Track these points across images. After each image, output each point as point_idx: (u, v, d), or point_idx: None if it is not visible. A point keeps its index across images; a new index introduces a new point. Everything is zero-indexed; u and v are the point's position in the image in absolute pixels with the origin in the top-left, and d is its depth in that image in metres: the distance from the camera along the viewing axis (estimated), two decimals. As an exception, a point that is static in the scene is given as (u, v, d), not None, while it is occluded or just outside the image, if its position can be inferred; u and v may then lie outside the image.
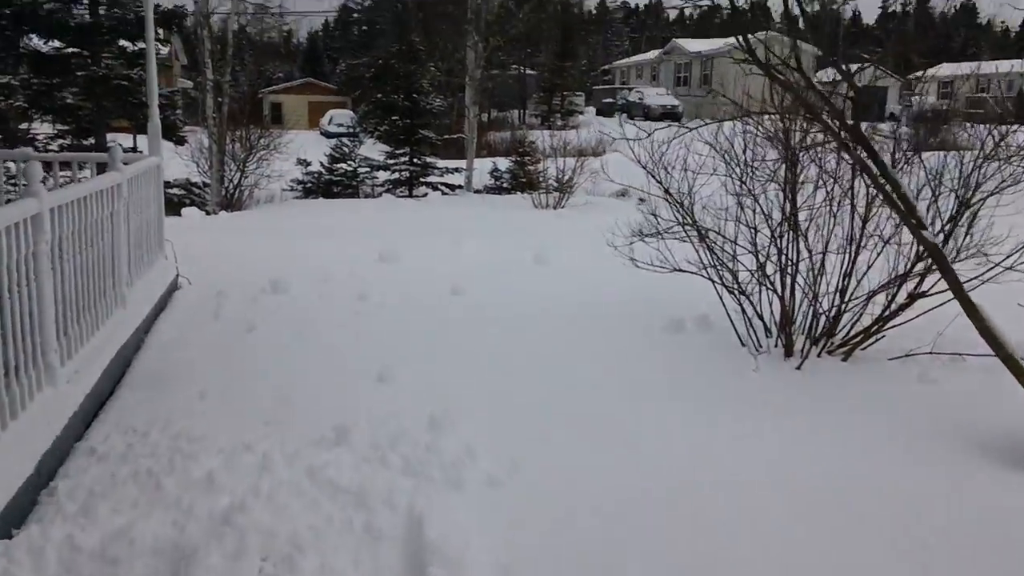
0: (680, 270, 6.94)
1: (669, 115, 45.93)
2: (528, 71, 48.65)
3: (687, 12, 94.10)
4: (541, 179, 20.56)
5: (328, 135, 43.00)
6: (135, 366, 5.74)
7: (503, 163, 21.05)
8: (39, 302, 4.33)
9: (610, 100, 50.34)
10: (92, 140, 19.39)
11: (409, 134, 19.77)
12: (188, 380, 5.35)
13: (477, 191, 20.14)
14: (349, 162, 19.42)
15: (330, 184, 19.81)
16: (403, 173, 19.71)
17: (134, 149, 21.37)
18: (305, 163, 20.23)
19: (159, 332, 6.53)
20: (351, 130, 40.76)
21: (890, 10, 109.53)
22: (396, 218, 14.45)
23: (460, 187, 20.13)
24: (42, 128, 21.00)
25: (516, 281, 8.80)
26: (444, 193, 19.64)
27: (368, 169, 19.60)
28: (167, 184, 15.96)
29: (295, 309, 7.34)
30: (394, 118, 19.91)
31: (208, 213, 17.48)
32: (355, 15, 71.88)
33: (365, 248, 10.36)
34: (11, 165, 8.43)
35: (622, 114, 48.74)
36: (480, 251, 10.58)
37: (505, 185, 20.66)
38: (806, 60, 6.38)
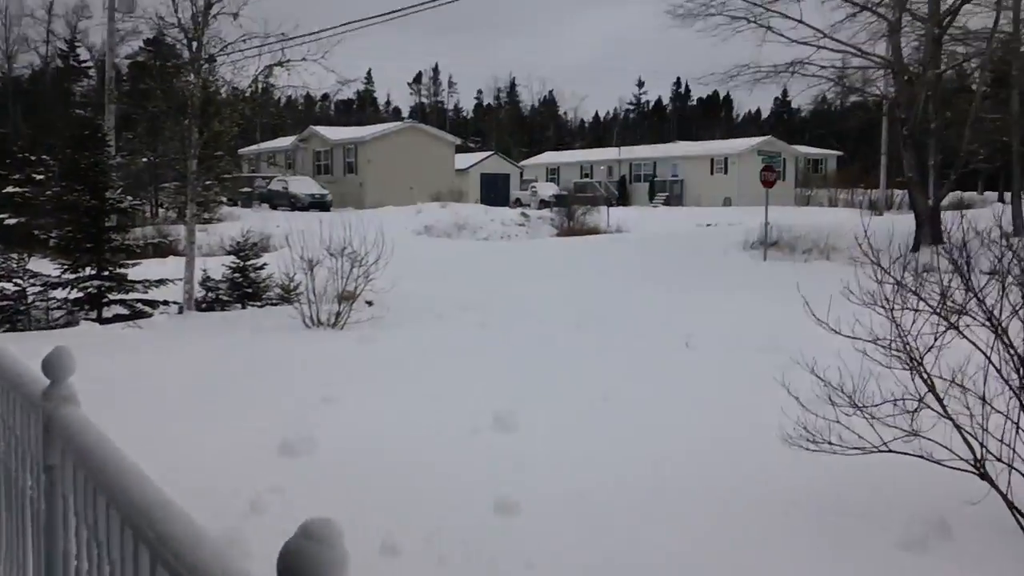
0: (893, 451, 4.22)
1: (318, 204, 42.96)
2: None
3: (330, 100, 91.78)
4: (265, 286, 16.59)
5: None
6: None
7: (214, 267, 16.69)
8: None
9: (247, 189, 46.04)
10: None
11: (96, 240, 14.76)
12: None
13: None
14: (16, 280, 13.95)
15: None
16: (87, 290, 14.62)
17: None
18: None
19: None
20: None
21: (484, 104, 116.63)
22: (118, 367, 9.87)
23: (167, 303, 15.41)
24: None
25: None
26: (137, 315, 14.71)
27: (41, 288, 14.24)
28: None
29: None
30: (66, 227, 14.82)
31: None
32: None
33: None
34: None
35: (261, 204, 44.93)
36: (356, 403, 6.88)
37: (224, 297, 16.31)
38: None
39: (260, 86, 16.63)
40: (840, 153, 69.00)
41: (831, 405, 4.54)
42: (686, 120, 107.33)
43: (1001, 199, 56.39)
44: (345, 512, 4.77)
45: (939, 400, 4.20)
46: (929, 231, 23.22)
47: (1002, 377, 4.15)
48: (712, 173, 62.21)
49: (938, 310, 4.23)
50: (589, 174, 68.50)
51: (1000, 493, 4.07)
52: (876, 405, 4.40)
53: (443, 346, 11.18)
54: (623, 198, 62.39)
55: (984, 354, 4.23)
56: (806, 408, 4.68)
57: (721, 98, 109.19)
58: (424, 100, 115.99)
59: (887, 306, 4.36)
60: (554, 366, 9.60)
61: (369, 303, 14.65)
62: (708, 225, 42.35)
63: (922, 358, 4.26)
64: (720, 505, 4.88)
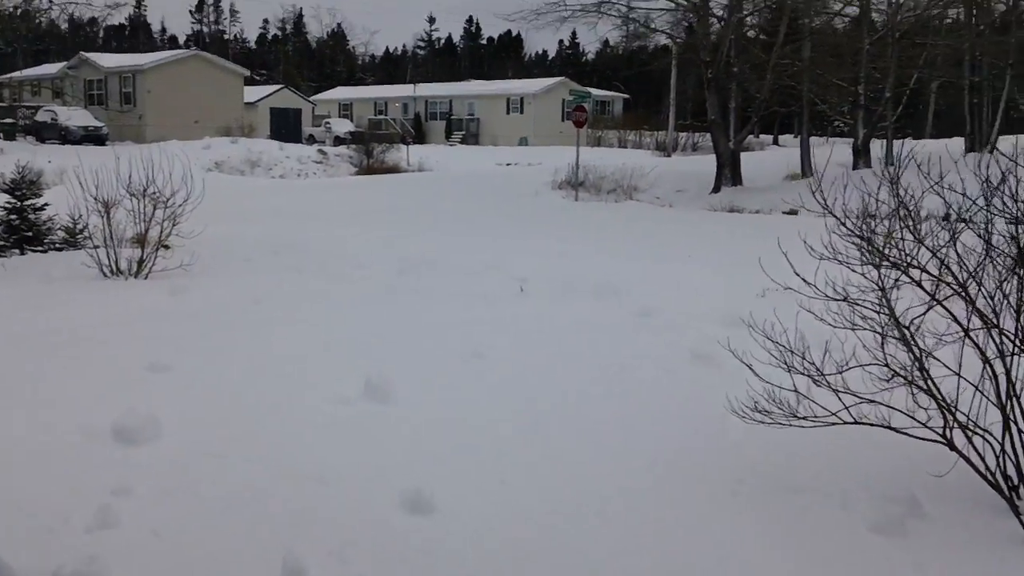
0: (860, 422, 3.90)
1: (92, 138, 39.55)
2: None
3: (99, 25, 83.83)
4: (47, 228, 14.75)
5: None
6: None
7: (-17, 208, 14.62)
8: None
9: (9, 120, 41.59)
10: None
11: None
12: None
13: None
14: None
15: None
16: None
17: None
18: None
19: None
20: None
21: (270, 36, 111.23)
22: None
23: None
24: None
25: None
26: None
27: None
28: None
29: None
30: None
31: None
32: None
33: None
34: None
35: (26, 136, 40.92)
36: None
37: (-1, 242, 14.32)
38: None
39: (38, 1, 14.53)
40: (627, 96, 70.79)
41: (786, 371, 4.11)
42: (478, 59, 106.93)
43: (776, 142, 59.70)
44: (220, 519, 3.93)
45: (924, 371, 3.86)
46: (730, 172, 23.96)
47: (973, 342, 3.86)
48: (508, 112, 62.24)
49: (899, 264, 3.84)
50: (383, 111, 66.91)
51: (972, 465, 3.81)
52: (840, 372, 4.02)
53: (266, 297, 10.16)
54: (419, 136, 61.42)
55: (958, 322, 3.90)
56: (762, 378, 4.21)
57: (512, 38, 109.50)
58: (204, 29, 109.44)
59: (868, 262, 3.93)
60: (398, 317, 8.87)
61: (166, 247, 13.22)
62: (508, 165, 42.32)
63: (910, 324, 3.89)
64: (660, 482, 4.38)
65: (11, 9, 14.58)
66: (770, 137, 60.31)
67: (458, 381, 6.18)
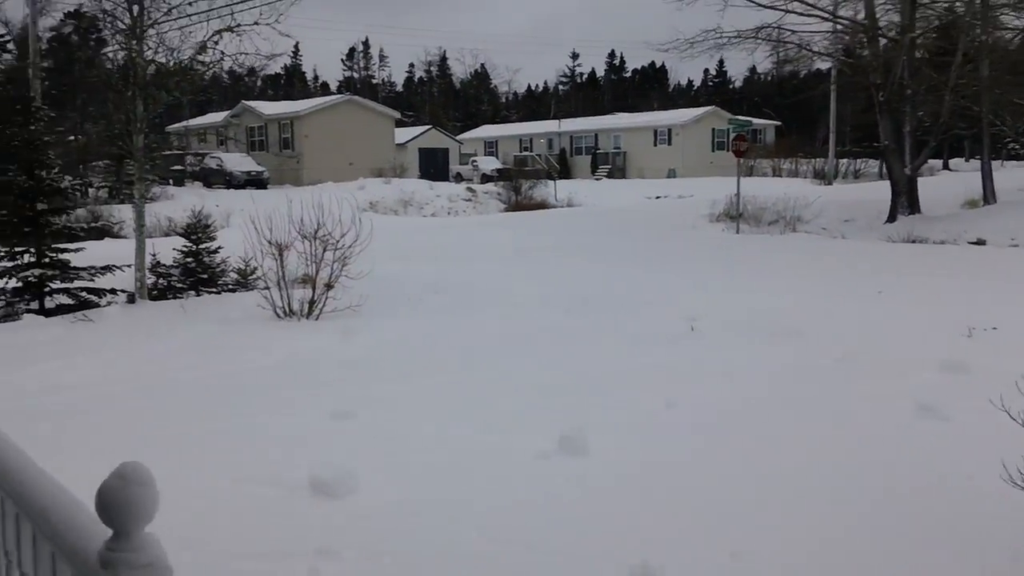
0: None
1: (254, 182, 41.28)
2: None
3: (257, 75, 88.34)
4: (220, 270, 15.17)
5: None
6: None
7: (165, 251, 15.18)
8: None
9: (178, 167, 43.92)
10: None
11: (34, 223, 13.14)
12: None
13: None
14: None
15: None
16: (28, 278, 13.05)
17: None
18: None
19: None
20: None
21: (416, 78, 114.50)
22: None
23: (115, 292, 13.88)
24: None
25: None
26: (84, 306, 13.19)
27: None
28: None
29: None
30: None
31: None
32: None
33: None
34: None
35: (194, 182, 43.10)
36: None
37: (177, 283, 14.82)
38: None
39: (211, 53, 15.01)
40: (778, 123, 68.95)
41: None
42: (621, 92, 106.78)
43: (946, 167, 56.79)
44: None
45: None
46: (907, 200, 22.67)
47: None
48: (655, 144, 61.58)
49: None
50: (528, 147, 67.40)
51: None
52: None
53: (435, 337, 10.00)
54: (564, 171, 61.50)
55: None
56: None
57: (655, 69, 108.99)
58: (354, 75, 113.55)
59: None
60: (575, 359, 8.51)
61: (329, 287, 13.30)
62: (658, 198, 41.71)
63: None
64: (922, 552, 3.80)
65: (186, 61, 15.04)
66: (939, 162, 57.43)
67: (655, 434, 5.74)
